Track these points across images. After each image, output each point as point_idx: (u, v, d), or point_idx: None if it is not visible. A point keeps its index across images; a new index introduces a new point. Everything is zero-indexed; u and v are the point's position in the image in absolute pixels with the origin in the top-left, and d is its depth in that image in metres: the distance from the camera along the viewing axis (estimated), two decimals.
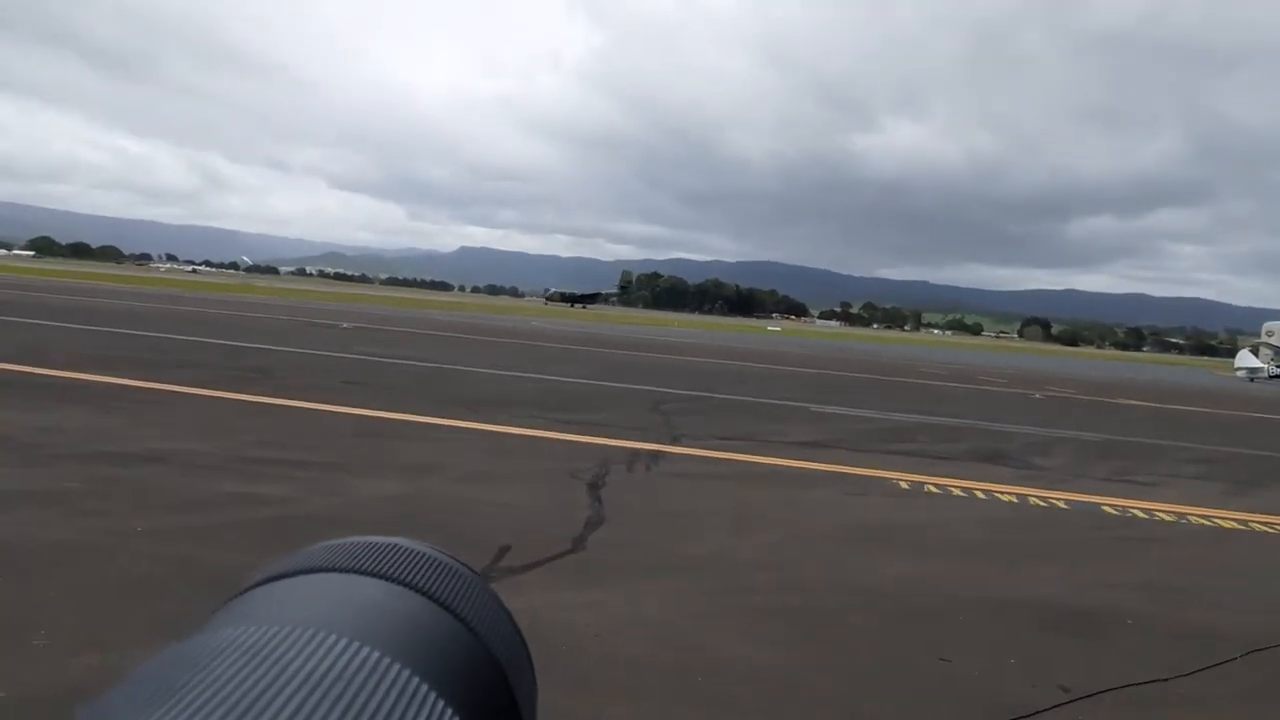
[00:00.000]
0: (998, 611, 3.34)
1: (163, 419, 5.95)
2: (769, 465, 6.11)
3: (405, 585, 0.32)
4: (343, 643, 0.25)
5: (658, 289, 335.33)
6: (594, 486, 4.89)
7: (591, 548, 3.74)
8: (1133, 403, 16.24)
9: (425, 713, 0.24)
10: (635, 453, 6.06)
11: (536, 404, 8.43)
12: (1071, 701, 2.56)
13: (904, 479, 5.93)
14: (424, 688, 0.24)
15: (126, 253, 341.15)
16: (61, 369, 7.89)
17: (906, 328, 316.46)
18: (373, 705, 0.22)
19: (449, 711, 0.25)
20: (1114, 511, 5.48)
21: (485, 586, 0.35)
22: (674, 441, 6.73)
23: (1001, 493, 5.75)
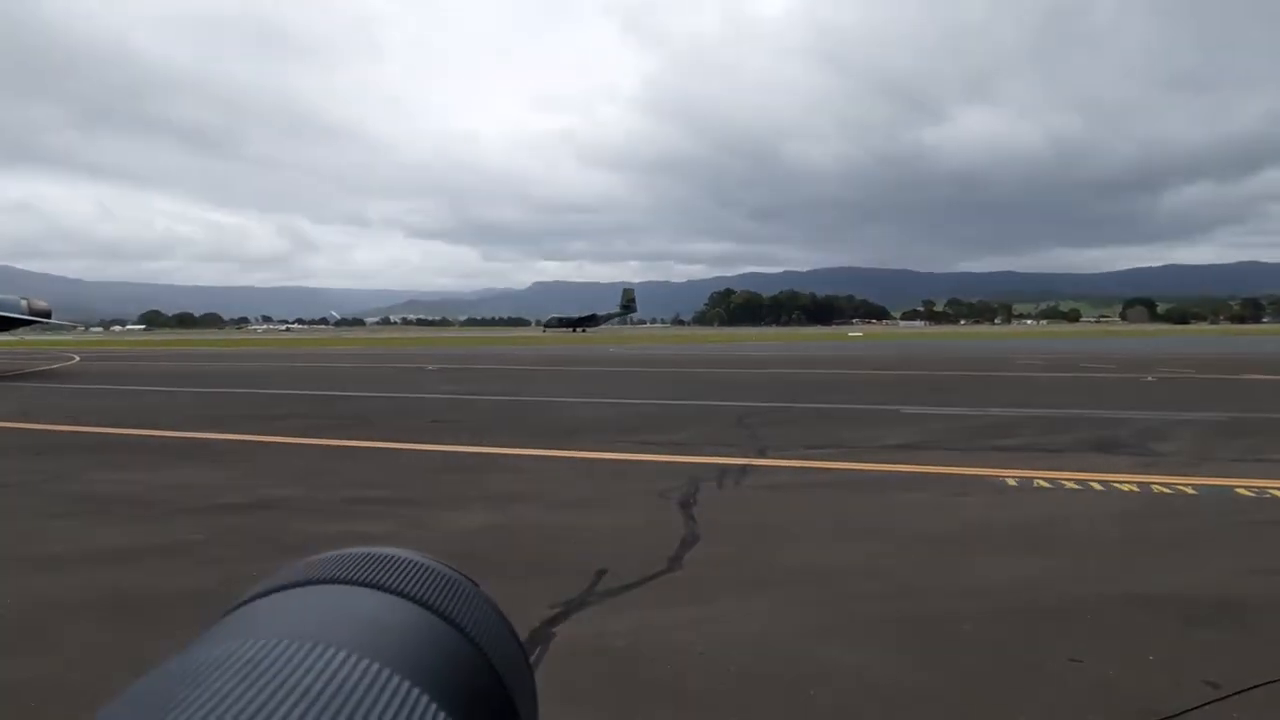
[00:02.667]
0: (1129, 607, 3.10)
1: (270, 469, 6.25)
2: (862, 471, 5.93)
3: (404, 596, 0.32)
4: (341, 655, 0.25)
5: (732, 305, 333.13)
6: (685, 505, 4.84)
7: (689, 566, 3.69)
8: (1258, 378, 15.02)
9: None
10: (724, 468, 5.99)
11: (619, 428, 8.46)
12: (1223, 699, 2.34)
13: (1010, 475, 5.63)
14: (424, 699, 0.25)
15: (226, 318, 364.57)
16: (178, 429, 8.43)
17: (997, 321, 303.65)
18: (373, 718, 0.22)
19: None
20: (1249, 494, 5.05)
21: (485, 597, 0.36)
22: (761, 454, 6.62)
23: (1120, 482, 5.39)
